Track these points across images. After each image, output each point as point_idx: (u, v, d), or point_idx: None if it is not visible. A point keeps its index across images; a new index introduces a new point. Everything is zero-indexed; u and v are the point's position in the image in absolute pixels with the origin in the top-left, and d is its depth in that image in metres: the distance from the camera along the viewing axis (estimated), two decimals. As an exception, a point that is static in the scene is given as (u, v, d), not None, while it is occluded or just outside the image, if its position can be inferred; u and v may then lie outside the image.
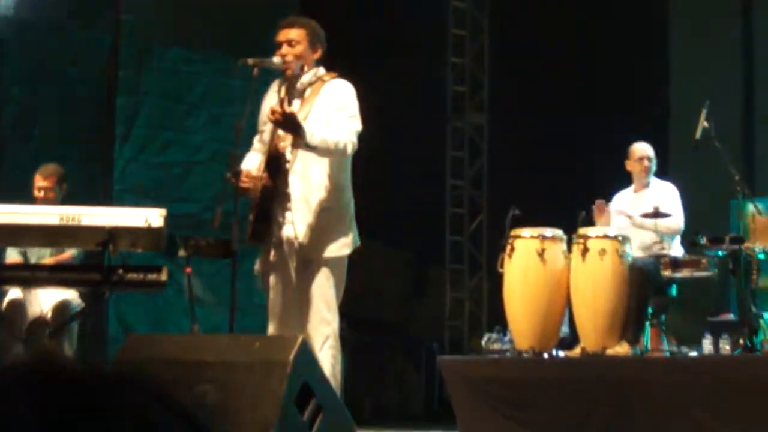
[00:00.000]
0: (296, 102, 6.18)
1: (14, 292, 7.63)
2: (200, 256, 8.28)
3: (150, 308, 9.56)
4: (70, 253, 7.57)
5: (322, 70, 6.23)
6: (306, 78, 6.16)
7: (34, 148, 9.55)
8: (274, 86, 6.30)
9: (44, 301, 7.70)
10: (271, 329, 6.15)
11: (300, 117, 6.03)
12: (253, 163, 6.19)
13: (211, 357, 5.05)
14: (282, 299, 6.11)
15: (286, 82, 6.19)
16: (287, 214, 6.05)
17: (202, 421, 1.17)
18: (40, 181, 7.84)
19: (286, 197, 6.04)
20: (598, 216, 8.59)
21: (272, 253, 6.12)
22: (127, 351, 5.23)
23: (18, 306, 7.59)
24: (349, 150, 5.98)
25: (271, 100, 6.19)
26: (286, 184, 6.05)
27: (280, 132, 6.00)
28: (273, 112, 5.80)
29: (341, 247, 6.08)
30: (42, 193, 7.75)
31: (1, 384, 1.12)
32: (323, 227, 6.03)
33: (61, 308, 7.62)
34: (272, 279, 6.14)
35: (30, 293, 7.64)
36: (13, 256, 7.64)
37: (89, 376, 1.14)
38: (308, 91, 6.16)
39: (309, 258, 6.03)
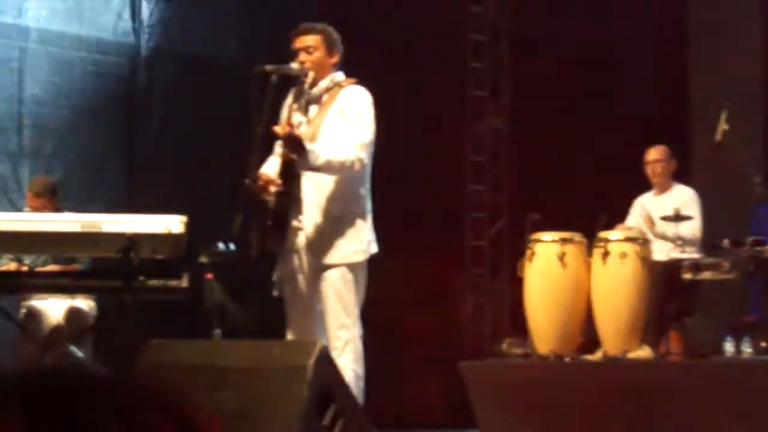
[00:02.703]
0: (313, 108, 6.18)
1: (32, 301, 7.63)
2: (221, 262, 8.27)
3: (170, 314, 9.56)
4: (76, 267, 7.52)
5: (340, 76, 6.23)
6: (323, 83, 6.16)
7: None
8: (292, 93, 6.31)
9: (56, 308, 7.69)
10: (291, 335, 6.16)
11: (315, 122, 6.04)
12: (273, 167, 6.20)
13: (231, 363, 5.06)
14: (300, 305, 6.12)
15: (298, 91, 6.18)
16: (301, 219, 6.06)
17: (199, 424, 1.18)
18: (31, 200, 7.78)
19: (300, 203, 6.06)
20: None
21: (289, 259, 6.13)
22: (147, 357, 5.24)
23: (37, 315, 7.60)
24: (357, 167, 5.96)
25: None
26: (299, 190, 6.06)
27: None
28: (281, 127, 5.81)
29: (355, 253, 6.06)
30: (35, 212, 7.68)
31: None
32: (336, 233, 6.03)
33: (74, 315, 7.61)
34: (290, 285, 6.15)
35: (45, 302, 7.64)
36: (5, 262, 7.58)
37: (76, 381, 1.16)
38: (325, 97, 6.16)
39: (323, 264, 6.03)
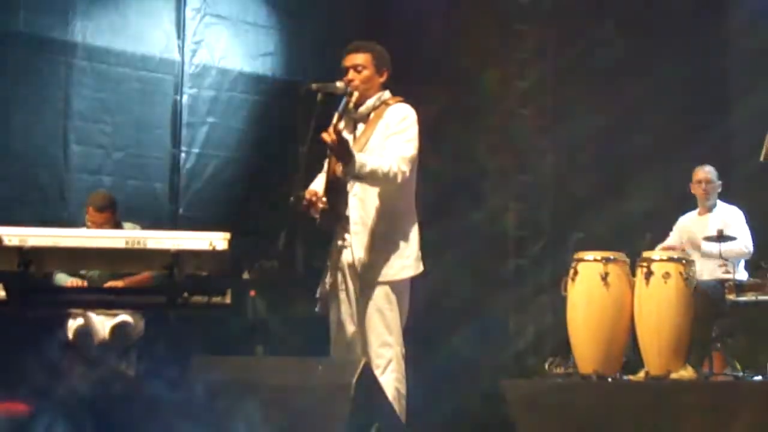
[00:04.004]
0: (360, 126, 6.19)
1: (81, 318, 7.68)
2: (265, 279, 8.30)
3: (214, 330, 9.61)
4: (147, 274, 7.58)
5: (387, 94, 6.23)
6: (370, 102, 6.16)
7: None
8: (338, 111, 6.30)
9: (104, 323, 7.75)
10: (334, 352, 6.16)
11: (362, 141, 6.05)
12: (320, 185, 6.21)
13: (274, 380, 5.07)
14: (343, 322, 6.11)
15: (343, 109, 6.16)
16: (346, 237, 6.06)
17: None
18: (93, 215, 7.80)
19: (346, 221, 6.06)
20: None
21: (333, 276, 6.13)
22: (192, 373, 5.26)
23: (86, 331, 7.65)
24: (399, 180, 5.94)
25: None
26: (345, 207, 6.06)
27: None
28: (328, 134, 5.80)
29: (400, 270, 6.04)
30: (97, 227, 7.74)
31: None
32: (382, 251, 6.01)
33: (121, 330, 7.66)
34: (334, 302, 6.15)
35: (93, 317, 7.71)
36: (65, 278, 7.65)
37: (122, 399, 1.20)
38: (372, 115, 6.17)
39: (368, 281, 6.01)
